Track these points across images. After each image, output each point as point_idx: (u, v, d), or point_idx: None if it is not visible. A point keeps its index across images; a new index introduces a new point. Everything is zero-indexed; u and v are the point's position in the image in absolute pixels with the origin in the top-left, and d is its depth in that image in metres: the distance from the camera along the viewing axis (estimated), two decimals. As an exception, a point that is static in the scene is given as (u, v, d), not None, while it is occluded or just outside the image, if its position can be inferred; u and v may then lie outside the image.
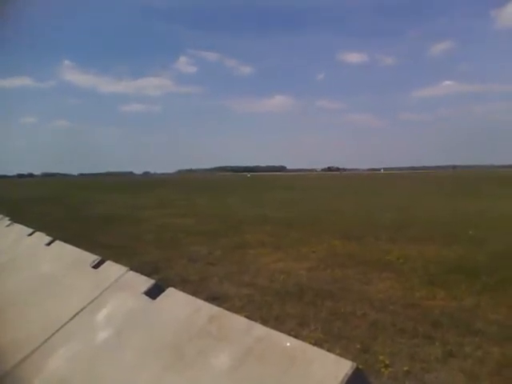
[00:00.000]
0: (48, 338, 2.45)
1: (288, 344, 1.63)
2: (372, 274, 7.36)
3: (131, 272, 2.60)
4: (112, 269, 2.78)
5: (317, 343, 4.44)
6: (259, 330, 1.78)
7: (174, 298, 2.17)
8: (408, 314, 5.47)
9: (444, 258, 8.59)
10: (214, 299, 5.84)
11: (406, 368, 3.98)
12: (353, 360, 1.48)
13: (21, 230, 5.09)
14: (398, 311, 5.55)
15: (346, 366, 1.33)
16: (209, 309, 1.98)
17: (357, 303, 5.84)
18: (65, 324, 2.49)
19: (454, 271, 7.41)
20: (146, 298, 2.22)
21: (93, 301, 2.53)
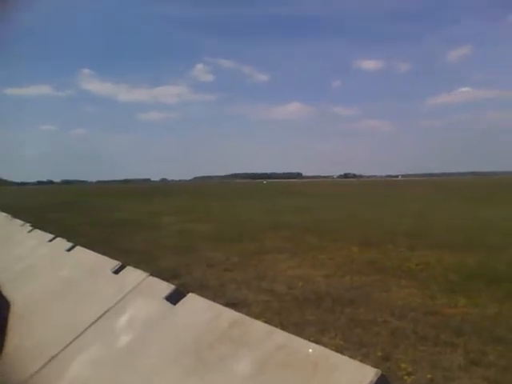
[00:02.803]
0: (70, 343, 2.46)
1: (310, 350, 1.61)
2: (391, 281, 7.27)
3: (151, 277, 2.61)
4: (132, 274, 2.79)
5: (337, 350, 4.37)
6: (280, 335, 1.77)
7: (194, 303, 2.16)
8: (429, 321, 5.38)
9: (464, 265, 8.44)
10: (232, 305, 5.81)
11: (429, 376, 3.91)
12: (374, 367, 1.47)
13: (42, 235, 5.16)
14: (419, 319, 5.47)
15: (370, 373, 1.30)
16: (229, 314, 1.98)
17: (377, 310, 5.77)
18: (86, 329, 2.51)
19: (474, 278, 7.28)
20: (167, 303, 2.22)
21: (114, 306, 2.54)
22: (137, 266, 2.95)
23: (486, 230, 13.33)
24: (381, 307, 5.91)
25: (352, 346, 4.61)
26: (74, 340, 2.47)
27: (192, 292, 2.25)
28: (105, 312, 2.54)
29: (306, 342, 1.70)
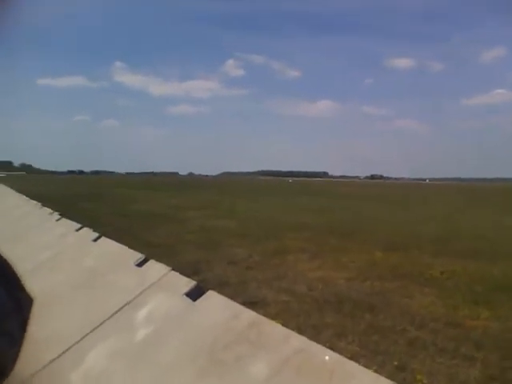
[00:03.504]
0: (87, 334, 2.51)
1: (327, 357, 1.61)
2: (414, 289, 7.16)
3: (173, 272, 2.64)
4: (155, 268, 2.83)
5: (353, 357, 4.36)
6: (298, 340, 1.77)
7: (214, 301, 2.18)
8: (449, 332, 5.27)
9: (489, 275, 8.24)
10: (251, 304, 5.83)
11: (445, 389, 3.85)
12: (389, 378, 1.45)
13: (69, 225, 5.28)
14: (440, 329, 5.37)
15: (385, 386, 1.30)
16: (248, 315, 1.99)
17: (397, 318, 5.70)
18: (105, 321, 2.55)
19: (499, 290, 7.10)
20: (187, 299, 2.25)
21: (134, 299, 2.58)
22: (159, 259, 2.99)
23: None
24: (401, 315, 5.83)
25: (368, 353, 4.56)
26: (91, 331, 2.51)
27: (212, 289, 2.27)
28: (125, 304, 2.58)
29: (323, 348, 1.70)
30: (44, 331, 2.91)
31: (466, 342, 4.98)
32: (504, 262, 9.36)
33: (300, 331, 4.91)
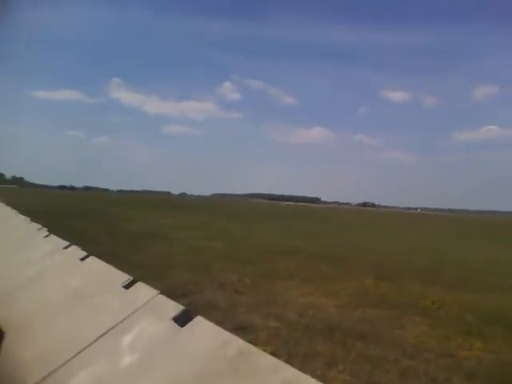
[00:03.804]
0: (73, 357, 2.42)
1: (318, 391, 1.54)
2: (405, 318, 7.08)
3: (161, 296, 2.57)
4: (143, 290, 2.75)
5: (344, 386, 4.26)
6: (288, 371, 1.70)
7: (202, 327, 2.11)
8: (442, 363, 5.20)
9: (481, 306, 8.20)
10: (240, 329, 5.73)
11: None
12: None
13: (57, 242, 5.17)
14: (432, 359, 5.29)
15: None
16: (237, 343, 1.91)
17: (388, 347, 5.60)
18: (89, 345, 2.46)
19: (491, 321, 7.07)
20: (174, 324, 2.17)
21: (121, 322, 2.50)
22: (148, 280, 2.91)
23: (506, 271, 12.98)
24: (393, 344, 5.74)
25: (360, 382, 4.47)
26: (76, 355, 2.42)
27: (201, 312, 2.20)
28: (110, 328, 2.49)
29: (314, 380, 1.63)
30: (27, 353, 2.80)
31: (459, 372, 4.92)
32: (495, 293, 9.35)
33: (290, 358, 4.83)
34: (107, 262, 3.78)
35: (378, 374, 4.74)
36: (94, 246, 11.08)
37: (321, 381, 4.29)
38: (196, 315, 2.18)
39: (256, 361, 1.79)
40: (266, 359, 1.81)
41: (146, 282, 2.90)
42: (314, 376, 4.31)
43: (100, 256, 4.05)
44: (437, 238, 27.85)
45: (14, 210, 12.63)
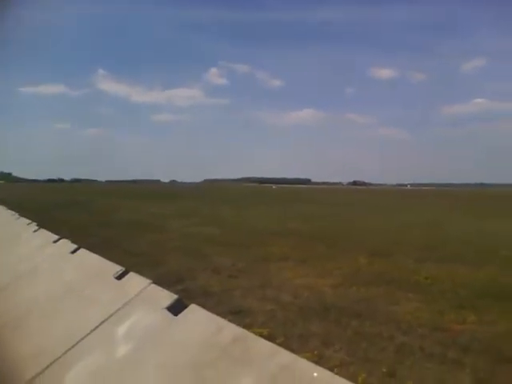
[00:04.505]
0: (68, 350, 2.41)
1: (315, 374, 1.53)
2: (399, 295, 7.14)
3: (154, 285, 2.55)
4: (135, 281, 2.73)
5: (341, 365, 4.30)
6: (285, 356, 1.68)
7: (196, 315, 2.09)
8: (437, 337, 5.25)
9: (474, 279, 8.29)
10: (236, 313, 5.74)
11: (434, 396, 3.79)
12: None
13: (47, 236, 5.12)
14: (427, 334, 5.34)
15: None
16: (232, 329, 1.90)
17: (383, 324, 5.65)
18: (85, 336, 2.45)
19: (484, 294, 7.13)
20: (168, 313, 2.16)
21: (114, 314, 2.48)
22: (142, 269, 2.90)
23: (497, 243, 13.11)
24: (388, 321, 5.79)
25: (357, 360, 4.50)
26: (72, 347, 2.41)
27: (196, 298, 2.19)
28: (104, 320, 2.48)
29: (311, 364, 1.62)
30: (23, 349, 2.79)
31: (454, 346, 4.96)
32: (488, 267, 9.43)
33: (287, 340, 4.86)
34: (102, 251, 3.75)
35: (374, 351, 4.78)
36: (86, 237, 11.05)
37: (319, 360, 4.33)
38: (190, 303, 2.17)
39: (251, 346, 1.77)
40: (262, 344, 1.80)
41: (141, 270, 2.88)
42: (312, 356, 4.33)
43: (94, 247, 4.02)
44: (427, 213, 28.04)
45: (1, 206, 12.50)
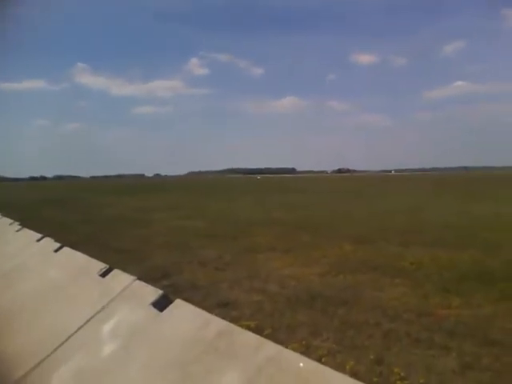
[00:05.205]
0: (55, 350, 2.39)
1: (301, 365, 1.54)
2: (385, 281, 7.22)
3: (138, 281, 2.54)
4: (119, 278, 2.72)
5: (329, 353, 4.34)
6: (271, 348, 1.69)
7: (181, 310, 2.09)
8: (423, 322, 5.33)
9: (458, 263, 8.41)
10: (223, 305, 5.76)
11: (422, 381, 3.84)
12: (367, 372, 1.41)
13: (30, 235, 5.06)
14: (413, 320, 5.41)
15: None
16: (218, 323, 1.90)
17: (370, 311, 5.71)
18: (72, 335, 2.43)
19: (469, 278, 7.24)
20: (154, 309, 2.15)
21: (99, 311, 2.47)
22: (128, 264, 2.88)
23: (480, 226, 13.31)
24: (374, 308, 5.85)
25: (344, 348, 4.54)
26: (58, 347, 2.40)
27: (183, 292, 2.19)
28: (90, 318, 2.47)
29: (297, 355, 1.63)
30: (10, 349, 2.75)
31: (440, 331, 5.04)
32: (472, 250, 9.57)
33: (274, 331, 4.89)
34: (87, 249, 3.73)
35: (362, 338, 4.83)
36: (71, 235, 10.95)
37: (306, 350, 4.36)
38: (176, 298, 2.17)
39: (237, 339, 1.78)
40: (248, 337, 1.80)
41: (127, 266, 2.87)
42: (299, 346, 4.36)
43: (79, 244, 3.99)
44: (411, 198, 28.30)
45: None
